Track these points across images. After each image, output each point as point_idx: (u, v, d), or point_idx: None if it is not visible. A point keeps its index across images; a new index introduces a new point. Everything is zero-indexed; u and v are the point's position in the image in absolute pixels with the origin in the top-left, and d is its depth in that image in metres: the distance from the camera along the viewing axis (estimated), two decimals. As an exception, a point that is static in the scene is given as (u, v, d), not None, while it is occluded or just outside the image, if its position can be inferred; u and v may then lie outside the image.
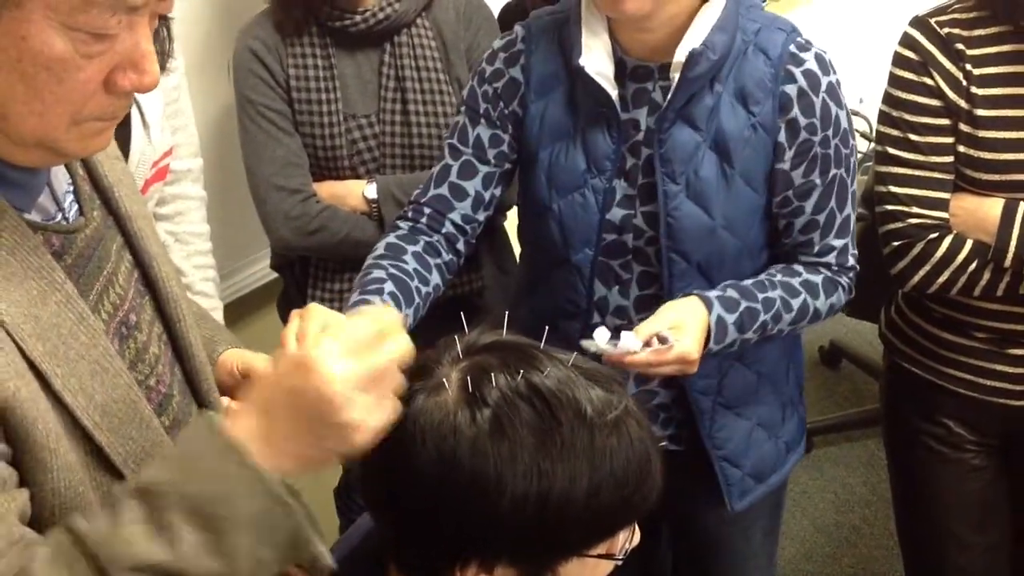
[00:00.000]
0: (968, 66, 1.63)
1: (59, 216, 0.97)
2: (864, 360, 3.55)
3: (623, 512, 0.98)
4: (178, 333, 1.08)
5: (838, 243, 1.62)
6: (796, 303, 1.57)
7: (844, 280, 1.64)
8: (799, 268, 1.62)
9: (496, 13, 2.17)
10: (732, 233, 1.56)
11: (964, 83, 1.64)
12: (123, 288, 1.02)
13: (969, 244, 1.66)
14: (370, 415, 0.89)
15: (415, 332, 2.01)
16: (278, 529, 0.86)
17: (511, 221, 2.12)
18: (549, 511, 0.92)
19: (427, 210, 1.67)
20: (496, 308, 2.08)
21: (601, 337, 1.41)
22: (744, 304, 1.53)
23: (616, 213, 1.58)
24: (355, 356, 0.89)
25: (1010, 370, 1.74)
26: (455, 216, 1.66)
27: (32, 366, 0.88)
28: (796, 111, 1.52)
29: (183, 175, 1.88)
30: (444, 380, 0.95)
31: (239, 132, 2.00)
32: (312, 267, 2.05)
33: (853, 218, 1.64)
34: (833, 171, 1.57)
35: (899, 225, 1.69)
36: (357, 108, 1.98)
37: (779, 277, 1.60)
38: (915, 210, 1.68)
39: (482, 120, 1.66)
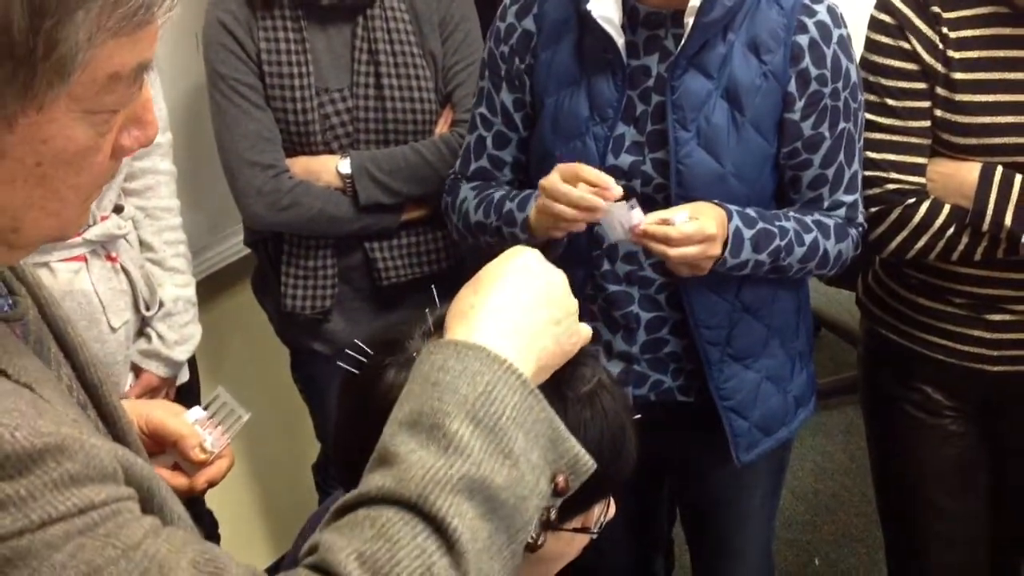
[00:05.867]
0: (944, 29, 1.62)
1: (4, 304, 0.86)
2: (842, 328, 3.56)
3: (597, 486, 0.97)
4: (101, 398, 0.98)
5: (847, 198, 1.64)
6: (808, 238, 1.59)
7: (854, 232, 1.66)
8: (813, 211, 1.63)
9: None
10: (741, 181, 1.57)
11: (940, 46, 1.63)
12: (67, 371, 0.92)
13: (947, 209, 1.65)
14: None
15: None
16: (539, 422, 0.83)
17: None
18: None
19: (476, 180, 1.73)
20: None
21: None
22: (761, 224, 1.55)
23: (624, 159, 1.59)
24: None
25: (988, 335, 1.74)
26: (502, 180, 1.73)
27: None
28: (807, 61, 1.54)
29: (152, 149, 1.85)
30: (416, 354, 0.93)
31: (210, 107, 1.97)
32: (286, 243, 2.03)
33: (861, 175, 1.65)
34: (842, 124, 1.59)
35: (876, 191, 1.68)
36: (330, 82, 1.96)
37: (792, 212, 1.62)
38: (892, 175, 1.67)
39: (504, 84, 1.68)
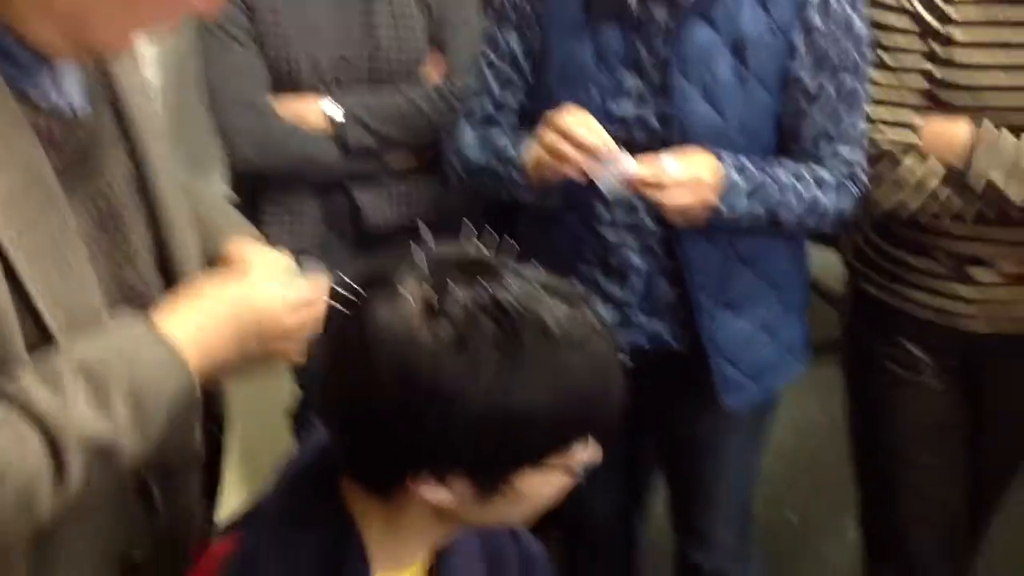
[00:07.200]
0: None
1: (63, 105, 0.96)
2: (823, 287, 3.55)
3: (583, 428, 0.97)
4: (170, 249, 1.09)
5: (848, 153, 1.62)
6: (805, 192, 1.59)
7: (853, 188, 1.64)
8: (811, 163, 1.62)
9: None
10: (744, 134, 1.56)
11: (940, 5, 1.62)
12: (121, 189, 1.04)
13: (942, 169, 1.65)
14: (287, 350, 1.10)
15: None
16: (184, 422, 1.01)
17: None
18: (508, 426, 0.90)
19: (479, 125, 1.71)
20: (460, 230, 2.05)
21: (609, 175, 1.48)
22: (758, 176, 1.55)
23: (627, 109, 1.58)
24: (288, 289, 1.08)
25: (972, 294, 1.75)
26: (506, 125, 1.71)
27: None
28: (813, 14, 1.53)
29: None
30: (405, 293, 0.93)
31: (198, 46, 1.94)
32: (270, 187, 2.01)
33: (863, 128, 1.63)
34: (845, 77, 1.57)
35: (871, 150, 1.67)
36: (320, 23, 1.93)
37: (790, 164, 1.61)
38: (888, 133, 1.66)
39: (512, 29, 1.66)
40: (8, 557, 0.99)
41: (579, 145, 1.46)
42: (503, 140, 1.65)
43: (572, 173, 1.49)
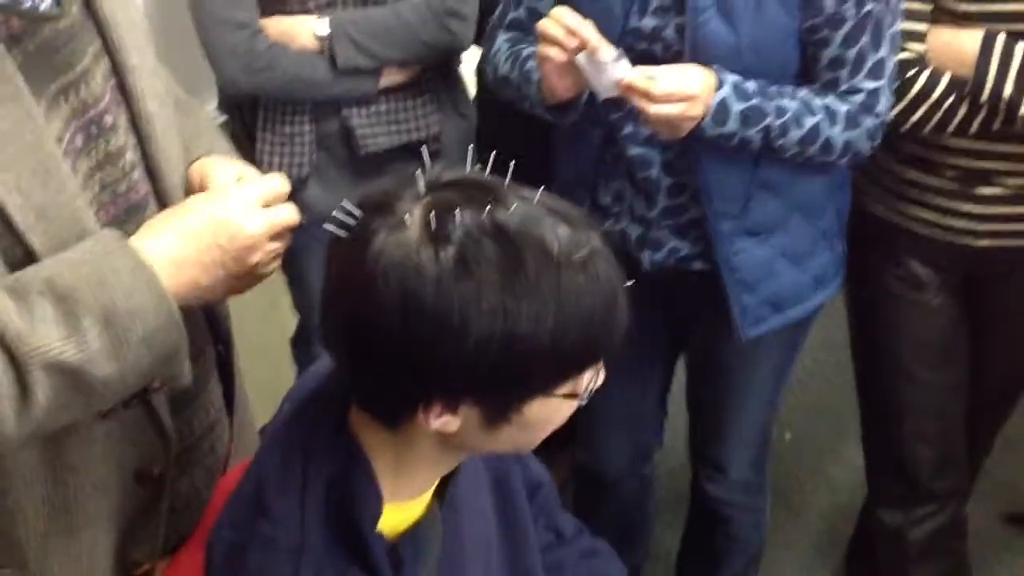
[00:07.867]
0: None
1: (27, 1, 0.95)
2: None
3: (589, 352, 0.96)
4: (150, 152, 1.08)
5: (869, 85, 1.56)
6: (809, 122, 1.54)
7: (870, 122, 1.57)
8: (828, 94, 1.57)
9: None
10: (759, 55, 1.51)
11: None
12: (99, 89, 1.02)
13: (946, 79, 1.61)
14: (265, 268, 1.08)
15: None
16: (165, 346, 0.98)
17: (467, 64, 2.05)
18: (514, 351, 0.89)
19: (513, 31, 1.69)
20: (453, 152, 2.02)
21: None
22: (756, 99, 1.51)
23: (648, 22, 1.54)
24: (267, 210, 1.06)
25: (977, 210, 1.73)
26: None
27: None
28: None
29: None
30: (406, 217, 0.90)
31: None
32: (262, 109, 1.97)
33: (892, 62, 1.57)
34: (870, 5, 1.50)
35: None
36: (307, -63, 1.88)
37: (802, 92, 1.56)
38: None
39: None
40: (23, 473, 1.03)
41: (568, 30, 1.45)
42: (528, 56, 1.63)
43: (561, 56, 1.47)
